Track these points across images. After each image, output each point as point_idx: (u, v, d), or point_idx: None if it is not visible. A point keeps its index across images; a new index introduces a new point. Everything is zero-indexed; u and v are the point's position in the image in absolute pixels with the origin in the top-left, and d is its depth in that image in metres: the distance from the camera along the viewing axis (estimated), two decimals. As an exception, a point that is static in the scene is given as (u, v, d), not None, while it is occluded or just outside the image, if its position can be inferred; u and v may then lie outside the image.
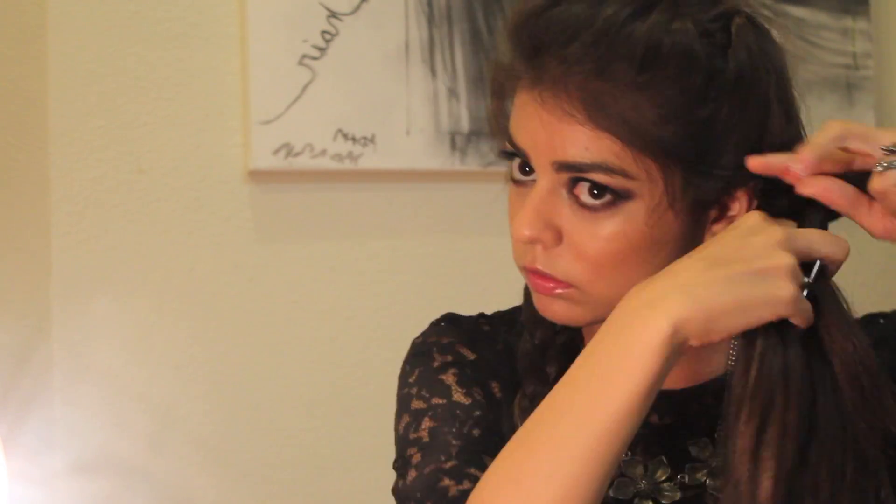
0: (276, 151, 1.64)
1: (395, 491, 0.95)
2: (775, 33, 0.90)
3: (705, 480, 0.94)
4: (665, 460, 0.94)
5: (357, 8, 1.70)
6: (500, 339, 1.00)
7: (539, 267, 0.88)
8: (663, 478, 0.94)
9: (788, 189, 0.85)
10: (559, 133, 0.85)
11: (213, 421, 1.63)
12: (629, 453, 0.95)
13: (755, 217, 0.84)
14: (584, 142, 0.84)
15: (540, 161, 0.87)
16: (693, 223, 0.87)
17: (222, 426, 1.63)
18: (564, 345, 0.97)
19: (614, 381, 0.78)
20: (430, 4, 1.75)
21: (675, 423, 0.95)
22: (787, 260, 0.80)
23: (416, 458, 0.92)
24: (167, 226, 1.62)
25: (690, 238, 0.87)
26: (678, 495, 0.94)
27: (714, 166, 0.86)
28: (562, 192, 0.87)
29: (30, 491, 1.44)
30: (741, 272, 0.79)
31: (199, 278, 1.63)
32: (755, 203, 0.88)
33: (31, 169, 1.54)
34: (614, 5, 0.85)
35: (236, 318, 1.65)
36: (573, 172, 0.86)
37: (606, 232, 0.86)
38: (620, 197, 0.85)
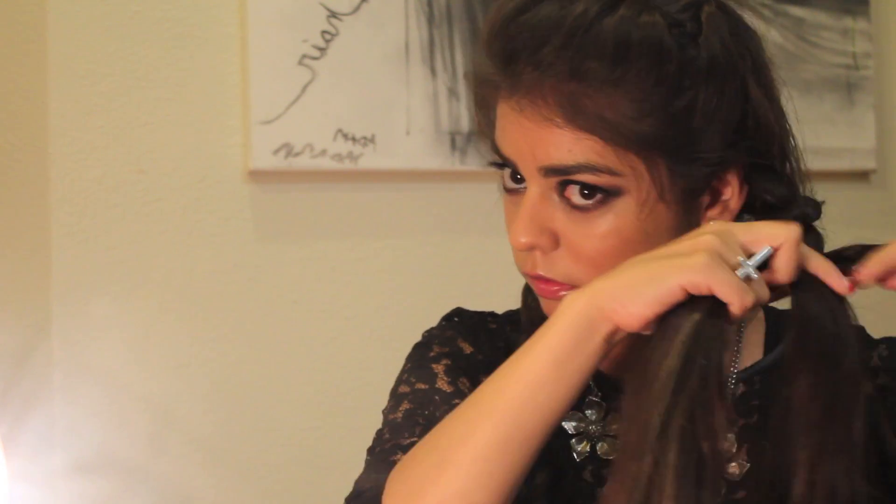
0: (276, 151, 1.64)
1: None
2: (748, 18, 0.91)
3: None
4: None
5: (357, 8, 1.70)
6: (502, 338, 1.01)
7: (540, 272, 0.89)
8: (614, 433, 0.95)
9: (774, 173, 0.87)
10: (541, 139, 0.86)
11: (213, 421, 1.63)
12: (598, 394, 0.95)
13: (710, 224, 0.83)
14: (565, 144, 0.85)
15: (527, 168, 0.88)
16: (686, 212, 0.88)
17: (222, 426, 1.63)
18: None
19: (528, 351, 0.79)
20: (430, 4, 1.75)
21: None
22: (708, 239, 0.79)
23: (386, 434, 0.94)
24: (167, 226, 1.62)
25: (685, 227, 0.87)
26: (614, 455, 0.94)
27: (697, 153, 0.86)
28: (553, 196, 0.88)
29: (30, 491, 1.44)
30: (661, 253, 0.80)
31: (199, 278, 1.63)
32: (746, 187, 0.89)
33: (31, 169, 1.54)
34: (584, 3, 0.85)
35: (236, 318, 1.65)
36: (560, 176, 0.86)
37: (601, 230, 0.86)
38: (610, 194, 0.86)
